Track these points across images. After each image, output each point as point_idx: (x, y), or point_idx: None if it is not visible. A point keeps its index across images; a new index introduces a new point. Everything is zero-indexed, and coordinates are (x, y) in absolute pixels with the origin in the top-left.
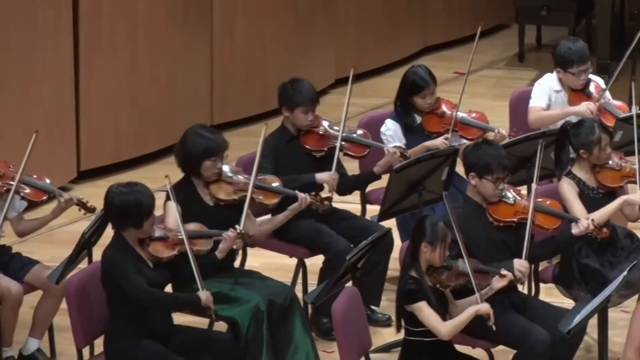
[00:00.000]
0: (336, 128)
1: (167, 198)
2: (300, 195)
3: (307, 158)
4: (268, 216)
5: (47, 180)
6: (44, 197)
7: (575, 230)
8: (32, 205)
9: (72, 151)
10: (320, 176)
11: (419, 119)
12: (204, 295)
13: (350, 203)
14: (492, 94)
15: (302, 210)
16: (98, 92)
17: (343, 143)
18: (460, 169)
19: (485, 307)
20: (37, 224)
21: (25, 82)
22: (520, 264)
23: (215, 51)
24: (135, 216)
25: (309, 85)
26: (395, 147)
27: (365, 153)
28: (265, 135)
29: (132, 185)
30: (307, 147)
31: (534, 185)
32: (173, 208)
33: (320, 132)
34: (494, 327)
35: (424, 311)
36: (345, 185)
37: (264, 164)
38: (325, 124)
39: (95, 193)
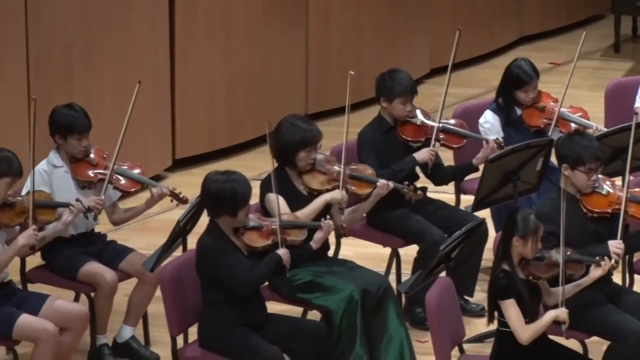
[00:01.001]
0: (432, 122)
1: (265, 191)
2: (381, 181)
3: (404, 148)
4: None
5: (138, 170)
6: (136, 188)
7: None
8: (125, 195)
9: (167, 139)
10: (420, 156)
11: (519, 112)
12: (285, 255)
13: (444, 193)
14: (587, 84)
15: (397, 200)
16: (193, 80)
17: (440, 134)
18: (555, 160)
19: (563, 315)
20: (131, 214)
21: (120, 70)
22: (616, 245)
23: (310, 40)
24: (230, 205)
25: (408, 75)
26: (495, 139)
27: (462, 144)
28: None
29: (229, 174)
30: (405, 137)
31: (627, 175)
32: (275, 199)
33: (418, 123)
34: (564, 334)
35: (510, 310)
36: (442, 176)
37: (367, 161)
38: (419, 113)
39: (189, 181)
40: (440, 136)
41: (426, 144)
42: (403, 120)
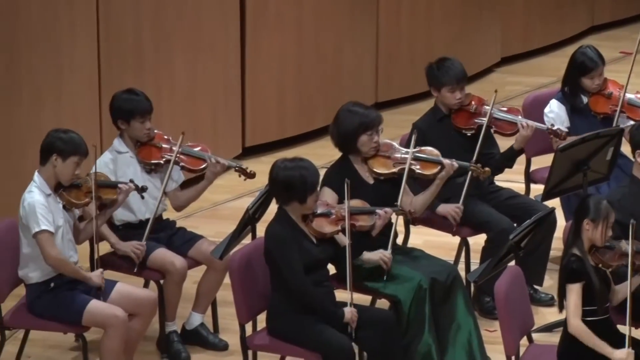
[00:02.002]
0: (487, 107)
1: (323, 184)
2: (446, 162)
3: (458, 136)
4: None
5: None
6: (203, 165)
7: None
8: (191, 173)
9: (237, 127)
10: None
11: (585, 100)
12: (349, 312)
13: (514, 182)
14: None
15: (465, 189)
16: (264, 68)
17: (492, 118)
18: (625, 149)
19: (620, 355)
20: (193, 193)
21: (191, 59)
22: None
23: (381, 28)
24: (300, 191)
25: (456, 64)
26: (553, 127)
27: (515, 130)
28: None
29: (297, 161)
30: (457, 125)
31: None
32: (329, 193)
33: (471, 110)
34: None
35: (572, 295)
36: (496, 164)
37: None
38: (473, 105)
39: (259, 169)
40: (494, 119)
41: (478, 132)
42: (457, 107)
